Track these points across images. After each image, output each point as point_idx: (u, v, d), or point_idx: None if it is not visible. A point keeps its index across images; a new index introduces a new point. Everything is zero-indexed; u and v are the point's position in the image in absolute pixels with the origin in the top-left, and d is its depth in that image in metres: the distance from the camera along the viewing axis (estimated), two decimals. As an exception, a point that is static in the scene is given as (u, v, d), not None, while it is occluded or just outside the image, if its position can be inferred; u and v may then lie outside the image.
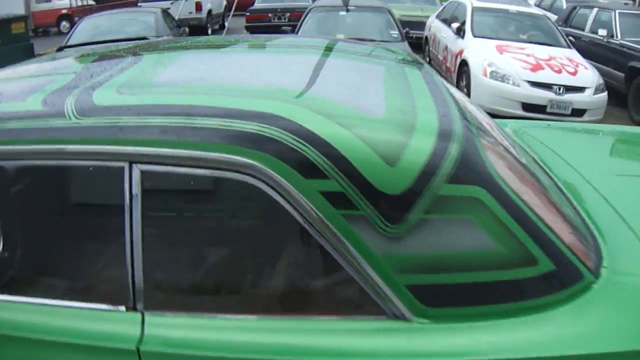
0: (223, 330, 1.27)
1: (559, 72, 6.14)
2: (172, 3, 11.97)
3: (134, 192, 1.30)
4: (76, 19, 12.42)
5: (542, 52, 6.60)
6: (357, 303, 1.29)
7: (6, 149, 1.36)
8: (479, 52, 6.65)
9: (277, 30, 12.29)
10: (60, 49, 6.49)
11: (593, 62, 7.11)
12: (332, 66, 1.82)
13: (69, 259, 1.56)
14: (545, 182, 1.70)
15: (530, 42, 7.02)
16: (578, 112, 5.93)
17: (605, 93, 6.19)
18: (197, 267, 1.47)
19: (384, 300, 1.24)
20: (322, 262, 1.33)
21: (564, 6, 11.65)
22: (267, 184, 1.25)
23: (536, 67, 6.17)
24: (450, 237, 1.26)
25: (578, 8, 9.31)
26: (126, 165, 1.30)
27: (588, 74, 6.24)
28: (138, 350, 1.25)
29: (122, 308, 1.32)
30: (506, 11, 7.71)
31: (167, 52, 2.02)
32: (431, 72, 2.08)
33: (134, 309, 1.32)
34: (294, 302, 1.37)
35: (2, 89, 1.57)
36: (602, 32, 7.84)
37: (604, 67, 7.43)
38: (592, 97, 6.01)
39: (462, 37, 7.31)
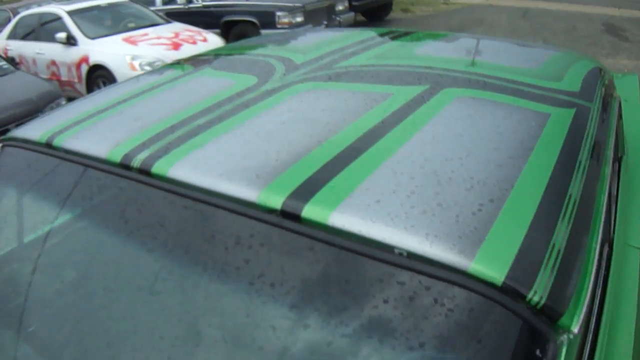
0: None
1: (195, 43, 6.72)
2: None
3: None
4: None
5: (164, 31, 7.00)
6: None
7: None
8: (111, 52, 6.55)
9: None
10: None
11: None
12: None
13: None
14: None
15: (142, 28, 7.27)
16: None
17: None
18: None
19: None
20: None
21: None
22: None
23: (176, 45, 6.59)
24: None
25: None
26: None
27: (214, 37, 7.01)
28: None
29: None
30: (99, 7, 7.64)
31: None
32: None
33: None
34: None
35: None
36: (181, 0, 8.66)
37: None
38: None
39: (75, 44, 6.97)
